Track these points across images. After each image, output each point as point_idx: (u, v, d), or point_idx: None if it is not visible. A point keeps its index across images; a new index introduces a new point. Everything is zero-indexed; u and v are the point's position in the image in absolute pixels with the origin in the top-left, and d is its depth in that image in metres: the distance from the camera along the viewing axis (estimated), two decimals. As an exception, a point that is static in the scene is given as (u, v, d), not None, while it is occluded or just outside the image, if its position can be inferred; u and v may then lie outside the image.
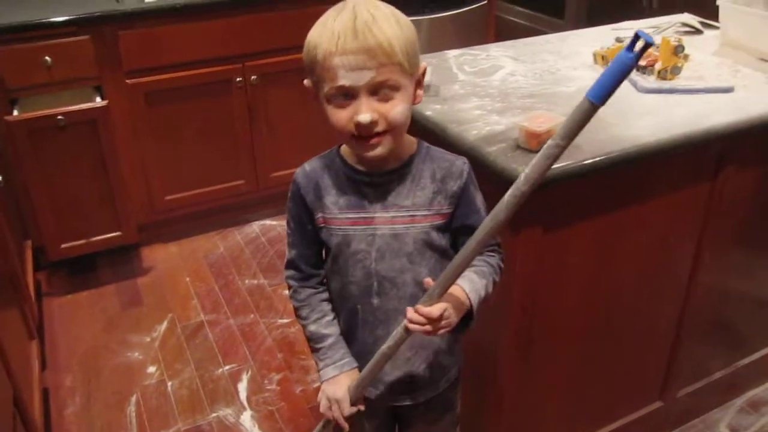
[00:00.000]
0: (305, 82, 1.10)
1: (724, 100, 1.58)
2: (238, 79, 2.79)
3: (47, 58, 2.40)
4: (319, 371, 1.24)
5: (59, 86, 2.48)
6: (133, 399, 2.17)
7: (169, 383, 2.23)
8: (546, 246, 1.42)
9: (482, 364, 1.58)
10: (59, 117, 2.36)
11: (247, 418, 2.10)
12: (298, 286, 1.24)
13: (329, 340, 1.22)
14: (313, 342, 1.24)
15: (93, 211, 2.58)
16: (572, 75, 1.75)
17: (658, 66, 1.68)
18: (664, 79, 1.66)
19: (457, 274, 1.03)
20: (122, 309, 2.58)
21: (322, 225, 1.17)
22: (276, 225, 3.06)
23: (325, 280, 1.25)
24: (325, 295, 1.25)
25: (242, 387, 2.21)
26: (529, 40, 2.04)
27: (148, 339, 2.43)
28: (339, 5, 1.04)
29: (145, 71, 2.62)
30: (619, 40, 1.88)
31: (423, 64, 1.09)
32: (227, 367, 2.29)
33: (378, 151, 1.06)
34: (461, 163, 1.16)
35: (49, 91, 2.47)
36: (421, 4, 3.13)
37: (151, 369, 2.29)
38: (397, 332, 1.11)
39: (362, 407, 1.23)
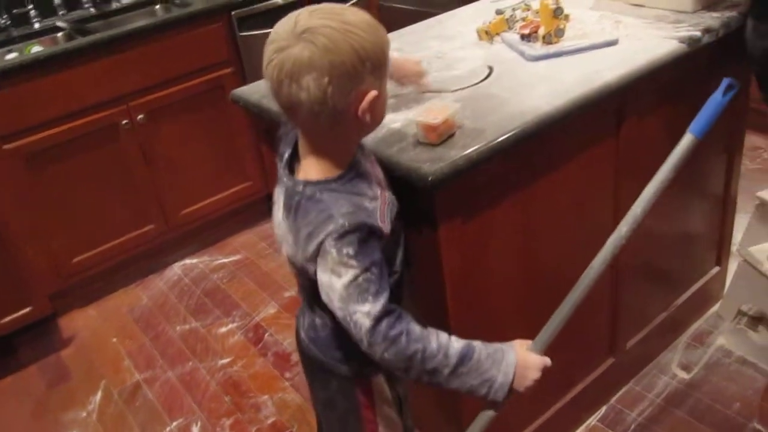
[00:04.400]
0: None
1: (611, 54, 1.58)
2: (124, 122, 2.64)
3: None
4: (496, 378, 1.11)
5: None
6: (80, 482, 2.03)
7: (116, 455, 2.10)
8: (469, 235, 1.38)
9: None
10: (-66, 201, 2.17)
11: (205, 472, 1.99)
12: (407, 327, 1.06)
13: (477, 343, 1.11)
14: (467, 359, 1.08)
15: (-4, 292, 2.40)
16: (460, 56, 1.72)
17: (541, 31, 1.66)
18: (550, 43, 1.65)
19: None
20: (49, 388, 2.41)
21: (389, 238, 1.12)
22: (197, 262, 2.94)
23: None
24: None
25: (194, 441, 2.10)
26: (410, 28, 2.00)
27: (84, 413, 2.27)
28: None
29: (20, 133, 2.45)
30: (499, 12, 1.86)
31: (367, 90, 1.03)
32: (174, 424, 2.17)
33: None
34: None
35: None
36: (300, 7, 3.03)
37: (93, 445, 2.15)
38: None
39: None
